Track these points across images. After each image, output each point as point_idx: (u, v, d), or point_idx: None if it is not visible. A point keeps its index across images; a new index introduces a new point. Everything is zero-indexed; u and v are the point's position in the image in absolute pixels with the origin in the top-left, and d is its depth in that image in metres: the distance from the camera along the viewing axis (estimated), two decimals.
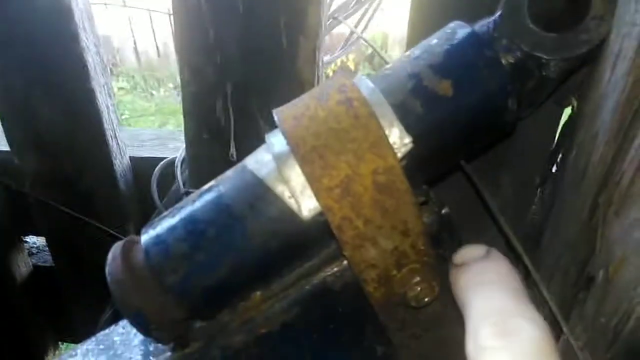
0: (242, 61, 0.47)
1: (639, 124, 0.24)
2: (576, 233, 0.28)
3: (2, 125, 0.57)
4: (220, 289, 0.30)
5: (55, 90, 0.53)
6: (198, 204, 0.30)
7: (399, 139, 0.27)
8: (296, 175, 0.27)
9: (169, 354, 0.32)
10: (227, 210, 0.29)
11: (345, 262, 0.31)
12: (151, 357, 0.33)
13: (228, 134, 0.48)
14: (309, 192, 0.27)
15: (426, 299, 0.31)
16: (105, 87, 0.54)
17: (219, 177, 0.30)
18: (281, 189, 0.28)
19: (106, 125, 0.55)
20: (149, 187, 0.54)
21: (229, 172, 0.30)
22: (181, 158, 0.55)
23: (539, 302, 0.31)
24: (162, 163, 0.56)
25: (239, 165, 0.30)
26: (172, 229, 0.29)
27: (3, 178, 0.64)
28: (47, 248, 0.76)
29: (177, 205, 0.31)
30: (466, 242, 0.32)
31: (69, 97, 0.53)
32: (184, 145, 0.54)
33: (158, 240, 0.29)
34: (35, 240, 0.77)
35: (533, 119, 0.38)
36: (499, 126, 0.30)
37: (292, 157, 0.27)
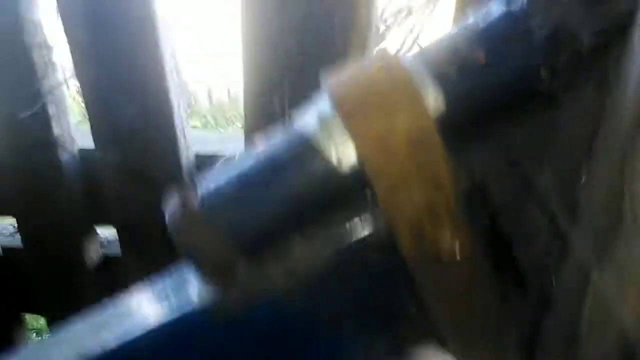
0: (299, 59, 0.52)
1: None
2: (605, 191, 0.29)
3: (89, 120, 0.64)
4: (264, 233, 0.33)
5: (136, 89, 0.60)
6: (249, 159, 0.34)
7: (433, 100, 0.30)
8: (338, 131, 0.31)
9: (213, 292, 0.35)
10: (275, 161, 0.32)
11: (379, 216, 0.33)
12: (198, 291, 0.36)
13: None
14: (349, 145, 0.31)
15: (457, 253, 0.33)
16: (178, 87, 0.61)
17: (269, 140, 0.34)
18: (323, 142, 0.31)
19: (176, 121, 0.62)
20: None
21: (278, 135, 0.34)
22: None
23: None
24: (223, 158, 0.62)
25: (288, 129, 0.34)
26: (225, 179, 0.33)
27: (85, 172, 0.72)
28: (116, 240, 0.83)
29: (231, 162, 0.35)
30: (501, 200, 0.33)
31: (147, 95, 0.60)
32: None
33: (213, 188, 0.33)
34: (106, 234, 0.85)
35: (574, 107, 0.40)
36: (532, 97, 0.32)
37: (335, 115, 0.31)
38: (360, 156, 0.30)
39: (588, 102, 0.39)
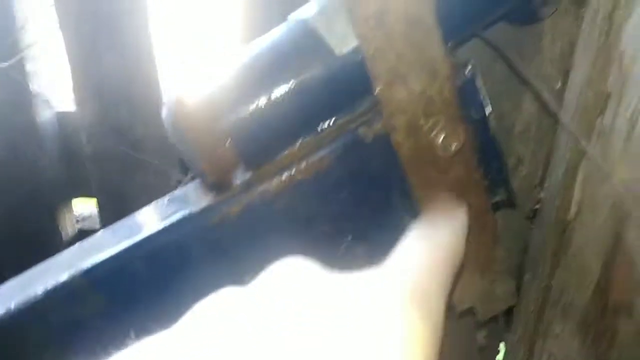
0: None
1: None
2: (593, 63, 0.31)
3: (71, 74, 0.63)
4: (265, 132, 0.33)
5: (119, 39, 0.60)
6: (250, 53, 0.34)
7: None
8: (336, 11, 0.31)
9: (211, 195, 0.35)
10: (274, 53, 0.33)
11: (377, 114, 0.34)
12: (196, 199, 0.36)
13: None
14: (347, 25, 0.31)
15: (453, 144, 0.34)
16: (164, 39, 0.61)
17: (267, 33, 0.35)
18: (322, 26, 0.32)
19: (160, 75, 0.62)
20: None
21: (277, 27, 0.35)
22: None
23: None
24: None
25: (288, 19, 0.34)
26: (226, 74, 0.33)
27: (64, 136, 0.70)
28: (92, 214, 0.81)
29: (230, 60, 0.35)
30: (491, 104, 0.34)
31: (130, 46, 0.60)
32: None
33: (213, 84, 0.33)
34: (81, 209, 0.82)
35: (553, 26, 0.42)
36: None
37: None
38: (359, 36, 0.31)
39: (565, 20, 0.42)
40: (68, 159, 0.72)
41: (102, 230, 0.42)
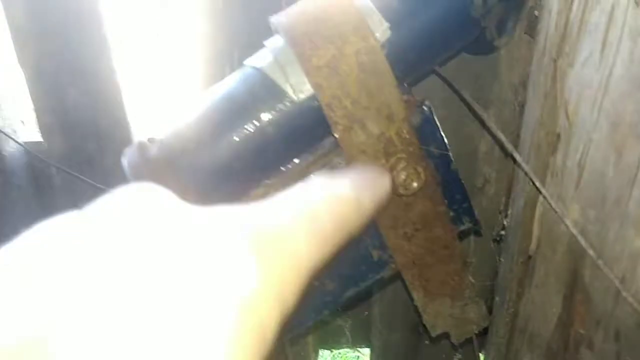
0: (246, 29, 0.52)
1: None
2: (542, 105, 0.31)
3: (34, 108, 0.62)
4: (226, 178, 0.33)
5: (81, 74, 0.59)
6: (206, 101, 0.34)
7: (378, 24, 0.32)
8: (290, 61, 0.31)
9: None
10: (231, 100, 0.33)
11: (339, 155, 0.34)
12: None
13: None
14: (302, 74, 0.31)
15: (414, 184, 0.34)
16: (126, 72, 0.60)
17: (223, 80, 0.35)
18: (277, 74, 0.32)
19: (125, 103, 0.61)
20: None
21: (232, 74, 0.34)
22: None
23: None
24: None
25: (240, 68, 0.34)
26: (184, 123, 0.33)
27: (32, 165, 0.69)
28: None
29: (187, 108, 0.35)
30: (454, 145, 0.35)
31: (94, 79, 0.59)
32: None
33: (172, 133, 0.33)
34: None
35: (508, 56, 0.42)
36: (469, 24, 0.34)
37: (286, 46, 0.32)
38: (313, 85, 0.31)
39: (521, 51, 0.42)
40: (38, 190, 0.71)
41: None
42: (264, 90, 0.32)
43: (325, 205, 0.19)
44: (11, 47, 0.57)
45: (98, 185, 0.63)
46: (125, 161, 0.34)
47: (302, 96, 0.32)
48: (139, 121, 0.63)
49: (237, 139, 0.33)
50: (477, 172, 0.49)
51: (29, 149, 0.68)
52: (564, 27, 0.28)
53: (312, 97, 0.32)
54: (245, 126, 0.32)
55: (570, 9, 0.27)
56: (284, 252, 0.16)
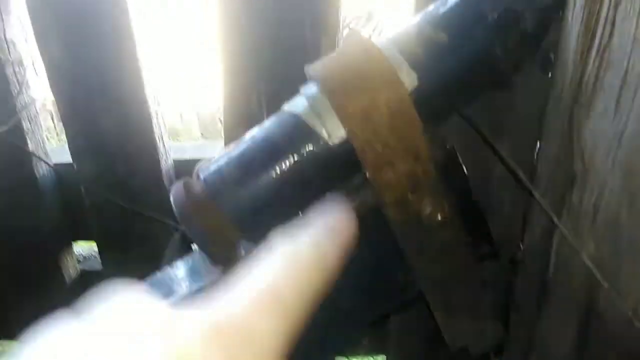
0: (273, 61, 0.55)
1: (594, 46, 0.31)
2: (559, 145, 0.34)
3: (66, 134, 0.65)
4: (265, 212, 0.36)
5: (112, 100, 0.62)
6: (246, 142, 0.36)
7: (406, 76, 0.34)
8: (325, 108, 0.34)
9: (221, 269, 0.38)
10: (270, 142, 0.35)
11: (368, 190, 0.37)
12: (204, 278, 0.39)
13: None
14: (336, 121, 0.34)
15: (438, 217, 0.37)
16: (155, 96, 0.63)
17: (262, 124, 0.37)
18: (313, 122, 0.35)
19: (155, 129, 0.64)
20: None
21: (270, 118, 0.37)
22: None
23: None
24: (202, 161, 0.64)
25: (279, 112, 0.37)
26: (226, 162, 0.36)
27: (62, 187, 0.72)
28: (93, 255, 0.83)
29: (228, 149, 0.38)
30: (471, 169, 0.37)
31: (125, 106, 0.62)
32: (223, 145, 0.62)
33: (215, 171, 0.36)
34: (81, 250, 0.85)
35: (524, 90, 0.45)
36: (490, 71, 0.37)
37: (321, 95, 0.34)
38: (347, 131, 0.33)
39: (536, 84, 0.45)
40: (67, 209, 0.74)
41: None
42: (301, 134, 0.35)
43: (286, 276, 0.20)
44: (46, 73, 0.60)
45: (125, 206, 0.66)
46: (172, 198, 0.37)
47: (337, 141, 0.34)
48: (167, 145, 0.66)
49: (275, 178, 0.35)
50: (491, 196, 0.52)
51: (59, 170, 0.71)
52: (579, 80, 0.31)
53: (346, 141, 0.34)
54: (284, 166, 0.35)
55: (586, 65, 0.30)
56: (249, 342, 0.17)
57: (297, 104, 0.36)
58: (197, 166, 0.38)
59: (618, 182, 0.29)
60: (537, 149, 0.44)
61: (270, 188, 0.35)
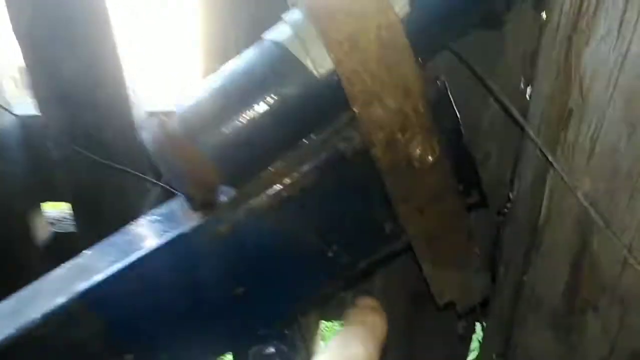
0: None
1: None
2: (554, 81, 0.32)
3: (30, 82, 0.61)
4: (245, 151, 0.34)
5: (78, 44, 0.58)
6: (224, 74, 0.34)
7: (397, 2, 0.32)
8: (310, 36, 0.32)
9: (199, 214, 0.35)
10: (251, 74, 0.33)
11: (355, 129, 0.35)
12: (184, 220, 0.36)
13: None
14: (322, 50, 0.32)
15: (429, 158, 0.35)
16: (127, 43, 0.59)
17: (242, 54, 0.35)
18: (297, 49, 0.32)
19: (125, 76, 0.60)
20: None
21: (250, 48, 0.34)
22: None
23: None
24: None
25: (259, 40, 0.34)
26: (204, 96, 0.33)
27: (28, 141, 0.68)
28: (65, 217, 0.80)
29: (205, 81, 0.35)
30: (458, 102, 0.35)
31: (93, 51, 0.58)
32: None
33: (192, 107, 0.33)
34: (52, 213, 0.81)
35: (515, 30, 0.43)
36: (482, 2, 0.35)
37: (306, 21, 0.32)
38: (334, 60, 0.31)
39: (527, 25, 0.43)
40: (35, 166, 0.70)
41: (91, 249, 0.42)
42: (284, 64, 0.32)
43: None
44: (6, 17, 0.55)
45: (96, 158, 0.63)
46: (144, 134, 0.34)
47: (322, 71, 0.32)
48: (139, 94, 0.63)
49: (257, 113, 0.33)
50: (478, 147, 0.50)
51: (24, 123, 0.66)
52: (579, 4, 0.29)
53: (332, 72, 0.32)
54: (265, 100, 0.33)
55: None
56: None
57: (279, 32, 0.33)
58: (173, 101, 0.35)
59: (618, 110, 0.27)
60: (528, 91, 0.42)
61: (251, 124, 0.33)
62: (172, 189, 0.63)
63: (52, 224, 0.79)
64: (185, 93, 0.35)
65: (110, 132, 0.62)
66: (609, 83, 0.27)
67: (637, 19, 0.26)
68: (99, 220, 0.70)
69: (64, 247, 0.77)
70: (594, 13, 0.28)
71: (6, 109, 0.64)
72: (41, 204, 0.76)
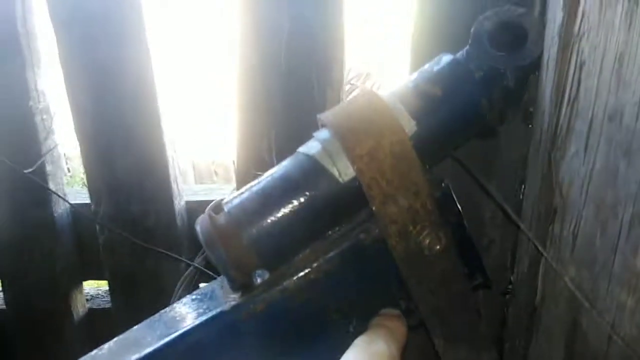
0: (283, 111, 0.61)
1: (564, 99, 0.36)
2: (540, 184, 0.39)
3: (86, 175, 0.70)
4: (280, 241, 0.40)
5: (133, 145, 0.67)
6: (266, 179, 0.41)
7: (407, 123, 0.40)
8: (336, 150, 0.39)
9: (238, 294, 0.41)
10: (288, 179, 0.40)
11: (373, 223, 0.41)
12: (224, 299, 0.42)
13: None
14: (346, 161, 0.39)
15: (437, 247, 0.41)
16: (172, 142, 0.68)
17: (279, 164, 0.42)
18: (326, 162, 0.40)
19: (171, 172, 0.69)
20: None
21: (287, 159, 0.42)
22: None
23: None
24: (212, 204, 0.68)
25: (294, 154, 0.42)
26: (247, 196, 0.41)
27: (77, 226, 0.76)
28: (101, 294, 0.86)
29: (249, 184, 0.42)
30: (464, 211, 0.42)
31: (145, 151, 0.67)
32: (234, 187, 0.67)
33: (237, 203, 0.41)
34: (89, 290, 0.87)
35: (508, 138, 0.51)
36: (477, 121, 0.42)
37: (333, 139, 0.39)
38: (356, 170, 0.38)
39: (518, 133, 0.51)
40: (81, 248, 0.77)
41: (137, 326, 0.48)
42: (315, 172, 0.40)
43: None
44: (71, 119, 0.65)
45: (138, 242, 0.70)
46: (197, 227, 0.41)
47: (346, 178, 0.39)
48: (180, 187, 0.71)
49: (291, 211, 0.40)
50: (482, 235, 0.56)
51: (76, 210, 0.75)
52: (554, 128, 0.36)
53: (354, 179, 0.39)
54: (298, 200, 0.40)
55: (559, 115, 0.35)
56: None
57: (311, 147, 0.41)
58: (218, 202, 0.42)
59: (591, 212, 0.33)
60: (522, 189, 0.49)
61: (286, 219, 0.40)
62: (205, 271, 0.70)
63: (88, 300, 0.85)
64: (232, 195, 0.42)
65: (152, 219, 0.70)
66: (582, 190, 0.34)
67: (598, 140, 0.33)
68: (133, 297, 0.76)
69: (99, 322, 0.83)
70: (565, 136, 0.35)
71: (63, 198, 0.73)
72: (82, 281, 0.82)
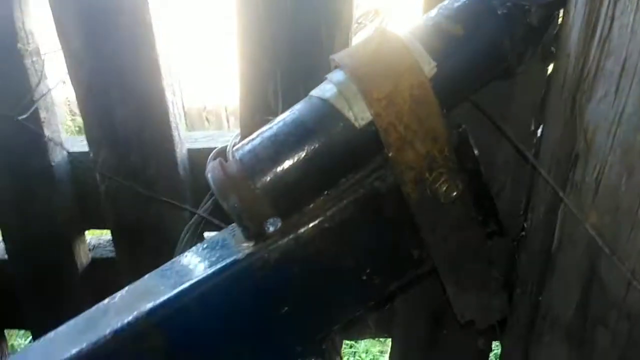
0: (290, 53, 0.58)
1: (595, 38, 0.34)
2: (562, 130, 0.38)
3: (83, 122, 0.67)
4: (295, 189, 0.39)
5: (131, 90, 0.64)
6: (278, 124, 0.40)
7: (427, 64, 0.38)
8: (352, 93, 0.37)
9: (252, 243, 0.41)
10: (301, 124, 0.39)
11: (388, 170, 0.40)
12: (236, 248, 0.42)
13: (277, 114, 0.58)
14: (363, 105, 0.37)
15: (453, 193, 0.40)
16: (171, 86, 0.66)
17: (291, 108, 0.41)
18: (341, 105, 0.38)
19: (171, 119, 0.66)
20: (202, 172, 0.63)
21: (299, 103, 0.40)
22: (233, 143, 0.65)
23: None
24: (215, 150, 0.66)
25: (306, 97, 0.40)
26: (259, 142, 0.39)
27: (77, 175, 0.74)
28: (103, 243, 0.86)
29: (260, 130, 0.41)
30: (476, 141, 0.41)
31: (143, 96, 0.64)
32: (237, 132, 0.65)
33: (249, 150, 0.39)
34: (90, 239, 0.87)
35: (524, 80, 0.49)
36: (499, 61, 0.41)
37: (349, 81, 0.38)
38: (374, 114, 0.37)
39: (535, 75, 0.49)
40: (81, 197, 0.76)
41: (148, 275, 0.47)
42: (330, 116, 0.38)
43: None
44: (65, 65, 0.62)
45: (141, 191, 0.69)
46: (209, 175, 0.40)
47: (362, 122, 0.38)
48: (182, 135, 0.69)
49: (307, 159, 0.38)
50: (494, 180, 0.55)
51: (75, 158, 0.73)
52: (581, 69, 0.34)
53: (371, 123, 0.38)
54: (313, 146, 0.38)
55: (587, 55, 0.34)
56: None
57: (325, 90, 0.39)
58: (222, 149, 0.41)
59: (617, 157, 0.32)
60: (538, 133, 0.48)
61: (300, 166, 0.39)
62: (210, 219, 0.69)
63: (90, 249, 0.85)
64: (244, 142, 0.41)
65: (153, 168, 0.68)
66: (609, 135, 0.33)
67: (631, 83, 0.31)
68: (137, 247, 0.76)
69: (102, 272, 0.83)
70: (594, 78, 0.33)
71: (60, 146, 0.70)
72: (84, 231, 0.82)
